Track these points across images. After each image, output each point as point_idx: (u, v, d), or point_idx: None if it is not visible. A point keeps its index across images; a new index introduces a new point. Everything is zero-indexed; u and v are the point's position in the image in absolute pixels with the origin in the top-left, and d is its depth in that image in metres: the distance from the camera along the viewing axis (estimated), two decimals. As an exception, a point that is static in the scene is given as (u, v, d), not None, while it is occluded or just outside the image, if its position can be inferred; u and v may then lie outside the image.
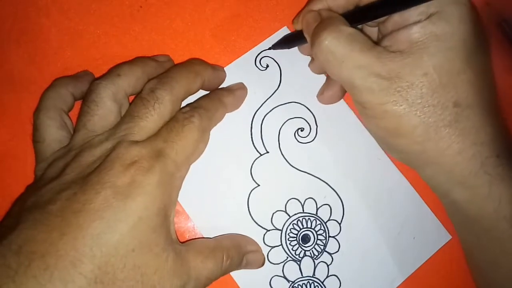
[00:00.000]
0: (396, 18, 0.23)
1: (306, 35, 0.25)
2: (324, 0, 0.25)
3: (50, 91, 0.25)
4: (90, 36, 0.28)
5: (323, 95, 0.28)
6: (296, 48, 0.29)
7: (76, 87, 0.26)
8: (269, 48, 0.29)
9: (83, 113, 0.23)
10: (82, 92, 0.26)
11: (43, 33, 0.28)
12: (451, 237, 0.28)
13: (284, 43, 0.28)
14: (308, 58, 0.29)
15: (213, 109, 0.25)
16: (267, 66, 0.29)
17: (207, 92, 0.27)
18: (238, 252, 0.25)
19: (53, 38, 0.28)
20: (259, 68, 0.29)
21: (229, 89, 0.28)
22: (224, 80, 0.28)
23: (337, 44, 0.22)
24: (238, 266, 0.25)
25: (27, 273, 0.18)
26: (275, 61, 0.29)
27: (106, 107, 0.23)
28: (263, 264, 0.26)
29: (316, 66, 0.28)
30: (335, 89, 0.27)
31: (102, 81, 0.24)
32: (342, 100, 0.29)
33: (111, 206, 0.19)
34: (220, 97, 0.26)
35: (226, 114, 0.27)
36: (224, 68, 0.28)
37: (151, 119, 0.22)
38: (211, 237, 0.26)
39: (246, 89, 0.28)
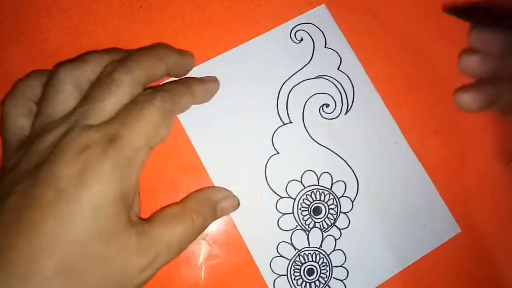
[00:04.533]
0: None
1: None
2: None
3: (21, 81, 0.24)
4: (90, 36, 0.28)
5: (462, 96, 0.25)
6: (333, 26, 0.29)
7: None
8: (448, 11, 0.24)
9: (42, 98, 0.23)
10: None
11: (43, 33, 0.28)
12: (460, 230, 0.28)
13: (470, 13, 0.23)
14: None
15: (178, 94, 0.24)
16: (301, 39, 0.29)
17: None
18: (208, 206, 0.25)
19: (53, 38, 0.28)
20: (293, 40, 0.29)
21: (200, 78, 0.27)
22: (192, 66, 0.27)
23: None
24: (213, 218, 0.25)
25: None
26: (310, 36, 0.29)
27: (65, 92, 0.22)
28: (238, 206, 0.26)
29: (475, 63, 0.24)
30: (481, 97, 0.24)
31: (65, 65, 0.23)
32: (370, 83, 0.29)
33: (63, 198, 0.19)
34: (187, 83, 0.25)
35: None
36: (261, 36, 0.29)
37: (108, 102, 0.21)
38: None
39: (218, 83, 0.27)
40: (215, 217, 0.25)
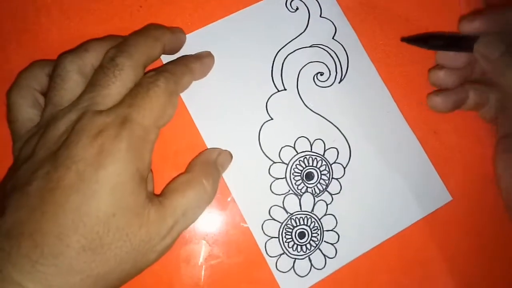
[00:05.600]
0: None
1: (483, 55, 0.25)
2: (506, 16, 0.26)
3: (25, 71, 0.25)
4: (90, 36, 0.28)
5: (433, 98, 0.28)
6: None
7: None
8: (405, 40, 0.27)
9: (49, 88, 0.24)
10: None
11: (43, 33, 0.28)
12: (452, 198, 0.28)
13: (427, 42, 0.27)
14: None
15: (179, 73, 0.25)
16: (297, 8, 0.30)
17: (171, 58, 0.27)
18: (212, 166, 0.26)
19: (53, 38, 0.28)
20: (288, 10, 0.29)
21: (196, 55, 0.28)
22: (184, 41, 0.28)
23: None
24: (219, 176, 0.26)
25: (20, 252, 0.19)
26: (305, 5, 0.30)
27: (72, 81, 0.23)
28: (232, 158, 0.27)
29: (443, 77, 0.28)
30: (449, 99, 0.27)
31: (68, 55, 0.24)
32: (364, 52, 0.29)
33: (84, 179, 0.20)
34: (186, 63, 0.26)
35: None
36: (256, 4, 0.29)
37: (113, 86, 0.22)
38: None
39: (213, 57, 0.28)
40: (220, 175, 0.26)
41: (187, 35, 0.28)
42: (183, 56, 0.28)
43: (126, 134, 0.21)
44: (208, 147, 0.27)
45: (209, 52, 0.28)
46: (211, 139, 0.28)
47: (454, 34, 0.27)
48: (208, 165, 0.26)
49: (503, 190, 0.25)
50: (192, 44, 0.28)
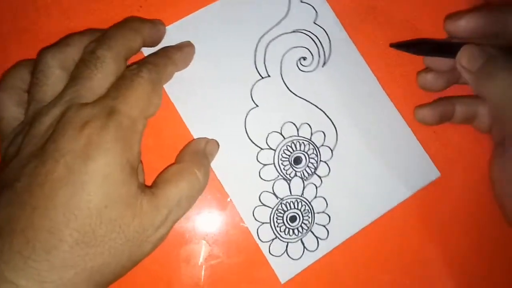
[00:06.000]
0: None
1: (464, 67, 0.25)
2: (496, 16, 0.26)
3: (10, 71, 0.25)
4: None
5: (419, 111, 0.28)
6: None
7: None
8: (394, 46, 0.28)
9: (32, 85, 0.23)
10: None
11: (43, 33, 0.28)
12: (440, 174, 0.29)
13: (415, 47, 0.28)
14: None
15: (161, 64, 0.25)
16: (277, -6, 0.30)
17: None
18: (202, 155, 0.26)
19: (53, 38, 0.27)
20: (269, -4, 0.30)
21: (176, 46, 0.28)
22: (164, 33, 0.28)
23: None
24: (208, 163, 0.26)
25: (11, 249, 0.19)
26: (285, -10, 0.30)
27: (54, 76, 0.23)
28: (219, 146, 0.27)
29: (431, 80, 0.28)
30: (435, 112, 0.28)
31: (49, 50, 0.24)
32: (346, 35, 0.29)
33: (73, 171, 0.20)
34: (167, 54, 0.26)
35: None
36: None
37: (95, 78, 0.22)
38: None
39: (194, 47, 0.28)
40: (210, 163, 0.27)
41: (167, 27, 0.28)
42: (164, 47, 0.28)
43: (113, 125, 0.21)
44: (195, 138, 0.28)
45: (189, 42, 0.28)
46: (198, 130, 0.28)
47: (442, 40, 0.28)
48: (198, 154, 0.26)
49: (496, 195, 0.25)
50: (173, 36, 0.28)
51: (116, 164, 0.21)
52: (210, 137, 0.28)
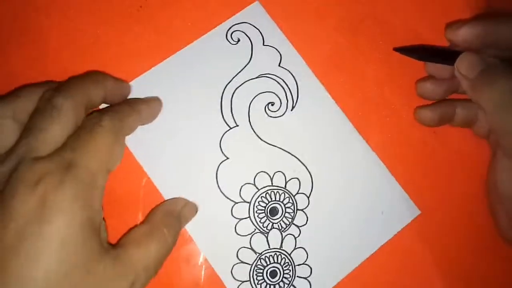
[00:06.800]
0: None
1: (462, 74, 0.25)
2: (494, 26, 0.25)
3: None
4: (90, 36, 0.28)
5: (419, 111, 0.28)
6: (269, 22, 0.29)
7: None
8: (398, 50, 0.27)
9: None
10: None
11: (43, 33, 0.28)
12: (419, 212, 0.28)
13: (418, 53, 0.28)
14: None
15: (124, 113, 0.23)
16: (238, 40, 0.29)
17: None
18: (174, 217, 0.25)
19: (53, 38, 0.28)
20: (230, 42, 0.29)
21: (142, 99, 0.27)
22: (129, 93, 0.27)
23: None
24: (180, 228, 0.25)
25: None
26: (246, 35, 0.29)
27: (5, 127, 0.21)
28: (197, 210, 0.26)
29: (430, 88, 0.28)
30: (436, 113, 0.27)
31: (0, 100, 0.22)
32: (313, 75, 0.29)
33: (26, 238, 0.18)
34: (131, 104, 0.25)
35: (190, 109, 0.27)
36: (197, 41, 0.28)
37: (51, 129, 0.20)
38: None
39: (161, 102, 0.27)
40: (181, 228, 0.25)
41: (130, 83, 0.27)
42: (128, 99, 0.27)
43: (71, 181, 0.19)
44: (164, 196, 0.26)
45: (157, 97, 0.27)
46: (166, 187, 0.27)
47: (444, 48, 0.28)
48: (171, 216, 0.25)
49: (490, 205, 0.25)
50: (135, 91, 0.27)
51: (75, 226, 0.19)
52: (180, 194, 0.26)
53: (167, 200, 0.26)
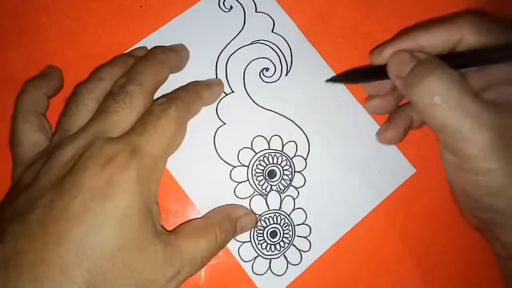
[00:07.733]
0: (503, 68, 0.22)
1: (394, 74, 0.24)
2: (415, 39, 0.24)
3: (24, 95, 0.25)
4: (90, 36, 0.28)
5: (385, 135, 0.27)
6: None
7: (49, 87, 0.26)
8: (330, 81, 0.27)
9: (62, 114, 0.23)
10: (54, 90, 0.26)
11: (43, 33, 0.28)
12: (415, 170, 0.29)
13: (350, 78, 0.27)
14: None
15: (190, 102, 0.24)
16: (231, 7, 0.29)
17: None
18: (230, 222, 0.25)
19: (53, 38, 0.28)
20: (222, 10, 0.29)
21: (207, 83, 0.27)
22: (188, 58, 0.28)
23: (449, 87, 0.20)
24: (234, 234, 0.25)
25: (18, 286, 0.18)
26: (238, 2, 0.29)
27: (86, 108, 0.23)
28: (257, 223, 0.27)
29: (379, 105, 0.27)
30: (399, 130, 0.26)
31: (86, 84, 0.24)
32: (306, 40, 0.29)
33: (90, 210, 0.19)
34: (197, 90, 0.26)
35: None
36: (189, 9, 0.29)
37: (122, 113, 0.22)
38: (180, 178, 0.27)
39: (223, 86, 0.28)
40: (235, 234, 0.26)
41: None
42: (194, 82, 0.27)
43: (136, 164, 0.20)
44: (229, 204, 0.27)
45: (220, 80, 0.28)
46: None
47: (374, 65, 0.26)
48: (228, 221, 0.25)
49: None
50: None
51: (134, 206, 0.20)
52: (179, 160, 0.27)
53: (231, 204, 0.27)
